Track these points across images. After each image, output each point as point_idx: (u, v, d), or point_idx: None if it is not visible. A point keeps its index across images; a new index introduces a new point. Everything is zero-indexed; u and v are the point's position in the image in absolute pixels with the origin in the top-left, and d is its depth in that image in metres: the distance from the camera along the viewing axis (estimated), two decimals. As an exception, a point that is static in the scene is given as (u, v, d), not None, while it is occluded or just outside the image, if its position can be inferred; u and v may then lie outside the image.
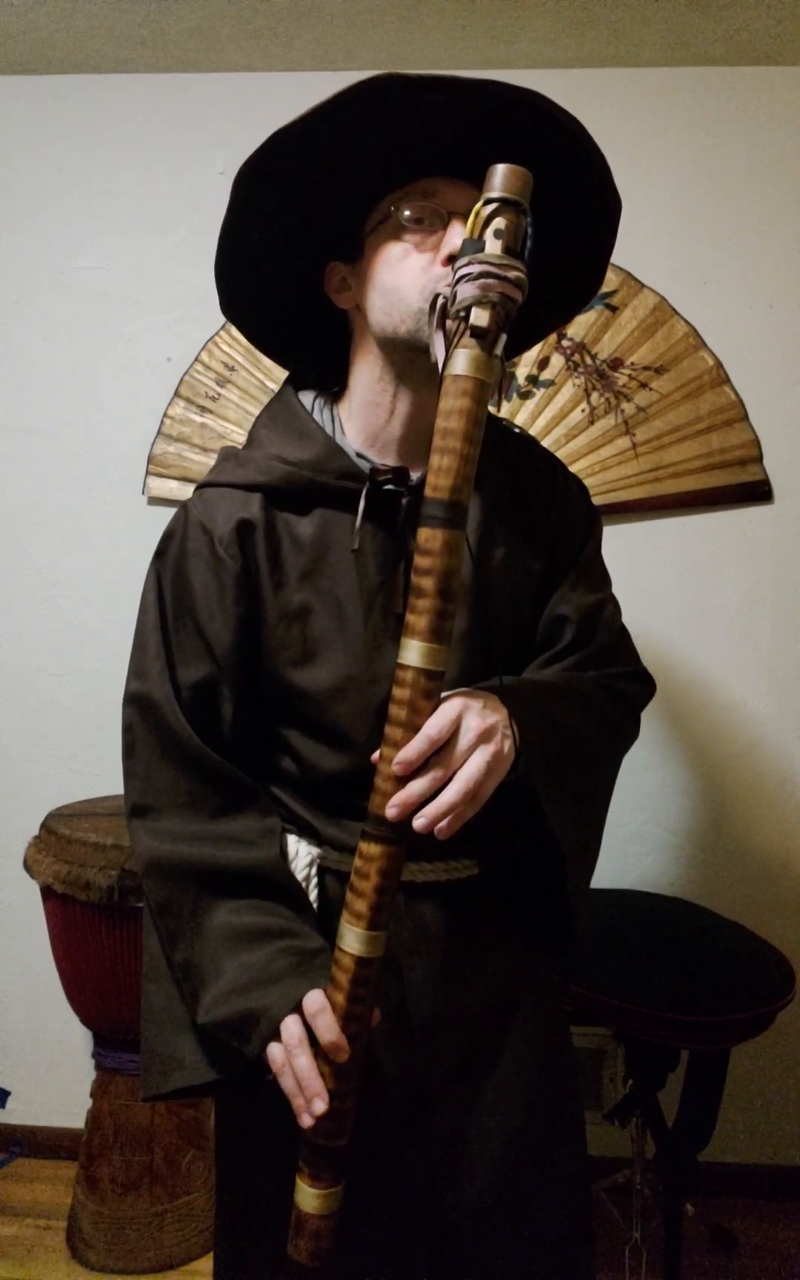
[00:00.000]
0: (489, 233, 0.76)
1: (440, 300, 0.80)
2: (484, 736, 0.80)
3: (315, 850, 0.96)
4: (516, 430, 1.12)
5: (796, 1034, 1.97)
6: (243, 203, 0.90)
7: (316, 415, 0.99)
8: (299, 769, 0.97)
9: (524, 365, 1.96)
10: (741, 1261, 1.82)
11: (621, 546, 1.95)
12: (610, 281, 1.94)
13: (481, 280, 0.75)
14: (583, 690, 0.96)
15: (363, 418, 0.97)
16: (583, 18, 1.79)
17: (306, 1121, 0.78)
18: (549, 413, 1.96)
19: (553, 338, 1.95)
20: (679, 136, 1.95)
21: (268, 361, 1.10)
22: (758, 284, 1.95)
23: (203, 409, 2.01)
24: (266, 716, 0.98)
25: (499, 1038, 0.98)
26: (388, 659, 0.90)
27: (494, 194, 0.76)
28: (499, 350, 0.76)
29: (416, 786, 0.77)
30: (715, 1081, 1.54)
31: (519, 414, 1.97)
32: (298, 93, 0.83)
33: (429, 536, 0.76)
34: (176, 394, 2.01)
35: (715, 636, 1.99)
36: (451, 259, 0.83)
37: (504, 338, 0.76)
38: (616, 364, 1.95)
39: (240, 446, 1.02)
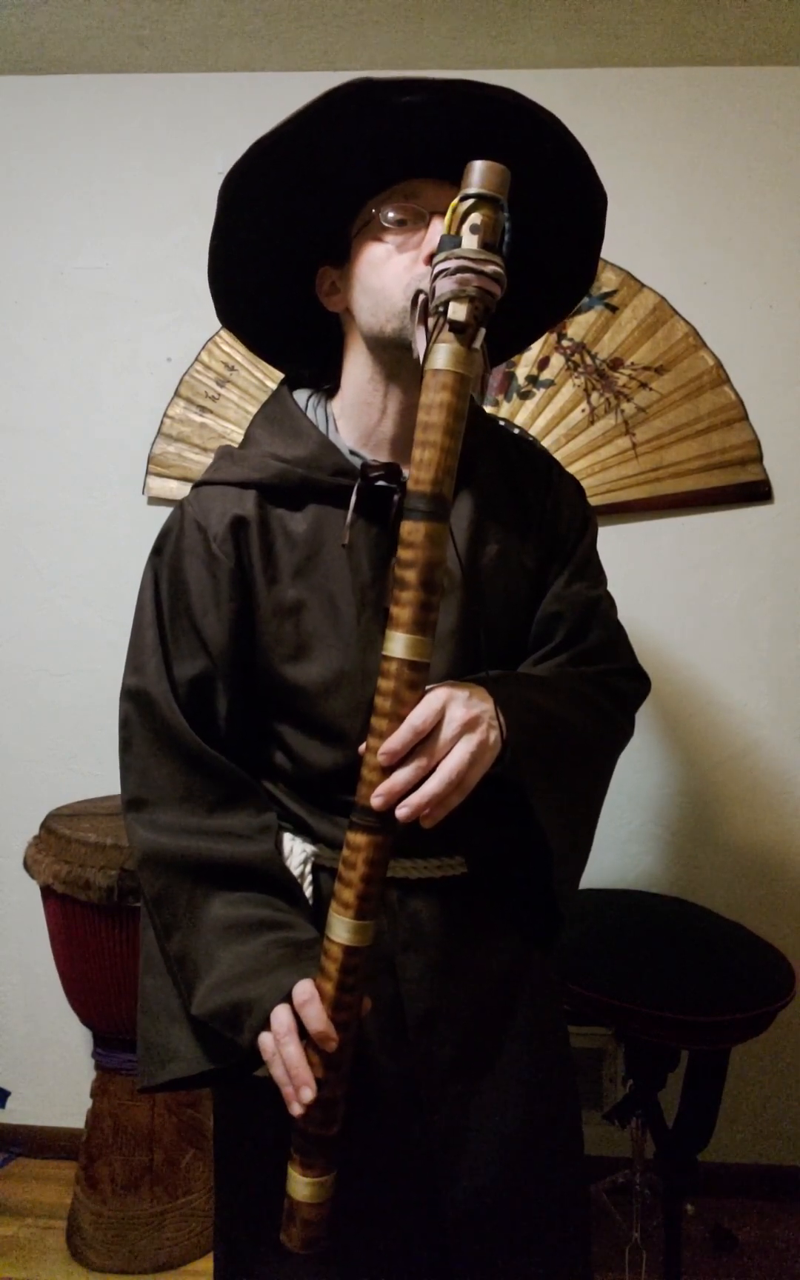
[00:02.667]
0: (466, 228, 0.77)
1: (421, 296, 0.81)
2: (468, 726, 0.80)
3: (310, 848, 0.96)
4: (516, 430, 1.12)
5: (796, 1034, 1.97)
6: (229, 210, 0.91)
7: (311, 414, 1.00)
8: (293, 765, 0.97)
9: (524, 365, 1.96)
10: (741, 1261, 1.82)
11: (621, 546, 1.96)
12: (610, 281, 1.95)
13: (458, 275, 0.76)
14: (575, 685, 0.96)
15: (356, 417, 0.98)
16: (583, 17, 1.79)
17: (296, 1110, 0.79)
18: (549, 413, 1.96)
19: (552, 338, 1.95)
20: (679, 136, 1.95)
21: (267, 362, 1.12)
22: (758, 284, 1.95)
23: (203, 409, 2.01)
24: (261, 712, 0.98)
25: (496, 1036, 0.98)
26: (380, 654, 0.90)
27: (471, 190, 0.77)
28: (478, 344, 0.77)
29: (401, 776, 0.77)
30: (715, 1081, 1.54)
31: (519, 414, 1.97)
32: (298, 93, 0.84)
33: (411, 529, 0.77)
34: (176, 394, 2.01)
35: (715, 637, 1.99)
36: (433, 257, 0.83)
37: (483, 331, 0.77)
38: (616, 364, 1.95)
39: (236, 446, 1.02)
